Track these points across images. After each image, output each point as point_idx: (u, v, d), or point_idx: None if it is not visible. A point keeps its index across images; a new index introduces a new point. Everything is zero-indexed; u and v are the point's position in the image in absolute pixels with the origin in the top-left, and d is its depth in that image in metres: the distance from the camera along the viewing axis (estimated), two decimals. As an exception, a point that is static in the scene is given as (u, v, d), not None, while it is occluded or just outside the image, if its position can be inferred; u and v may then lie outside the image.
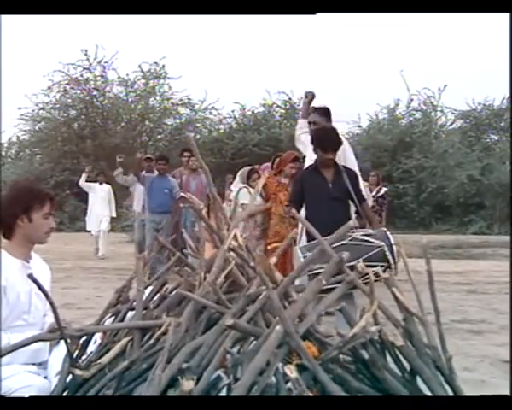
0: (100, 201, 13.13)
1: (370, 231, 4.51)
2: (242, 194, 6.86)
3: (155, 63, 20.32)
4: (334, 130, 5.31)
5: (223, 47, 29.07)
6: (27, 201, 2.84)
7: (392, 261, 4.32)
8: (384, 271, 4.31)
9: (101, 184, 13.29)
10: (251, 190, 6.68)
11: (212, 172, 6.67)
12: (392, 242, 4.38)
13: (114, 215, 13.70)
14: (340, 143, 5.12)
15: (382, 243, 4.33)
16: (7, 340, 2.60)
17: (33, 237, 2.90)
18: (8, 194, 2.95)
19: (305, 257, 4.20)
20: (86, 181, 13.33)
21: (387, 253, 4.33)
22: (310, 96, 5.79)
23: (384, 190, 10.28)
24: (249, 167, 7.53)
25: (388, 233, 4.51)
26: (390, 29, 29.65)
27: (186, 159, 9.19)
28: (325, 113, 5.61)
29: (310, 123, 5.56)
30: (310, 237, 4.60)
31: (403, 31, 29.84)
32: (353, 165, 5.41)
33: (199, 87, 27.13)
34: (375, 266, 4.23)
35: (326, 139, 5.01)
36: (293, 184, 5.38)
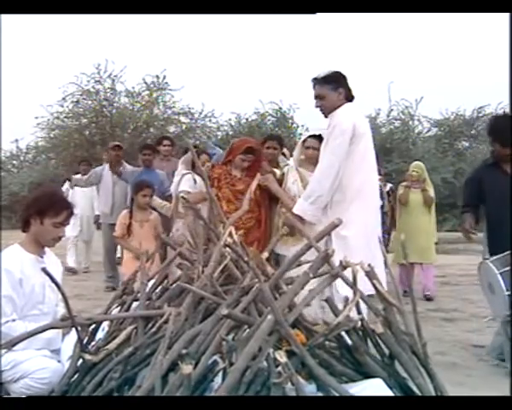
0: (82, 197, 8.46)
1: None
2: (184, 181, 4.88)
3: (157, 76, 20.25)
4: None
5: (220, 59, 29.11)
6: (43, 205, 2.81)
7: None
8: None
9: (84, 175, 8.27)
10: (196, 177, 4.81)
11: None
12: None
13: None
14: None
15: None
16: (24, 328, 2.60)
17: (41, 238, 2.85)
18: (34, 192, 2.92)
19: (501, 273, 3.41)
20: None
21: None
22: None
23: (389, 185, 8.38)
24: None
25: None
26: (372, 42, 29.63)
27: (165, 148, 7.23)
28: (330, 80, 3.79)
29: (316, 97, 3.80)
30: (495, 248, 3.79)
31: (384, 45, 29.88)
32: None
33: (198, 97, 27.06)
34: None
35: (505, 131, 3.82)
36: (466, 183, 4.26)
